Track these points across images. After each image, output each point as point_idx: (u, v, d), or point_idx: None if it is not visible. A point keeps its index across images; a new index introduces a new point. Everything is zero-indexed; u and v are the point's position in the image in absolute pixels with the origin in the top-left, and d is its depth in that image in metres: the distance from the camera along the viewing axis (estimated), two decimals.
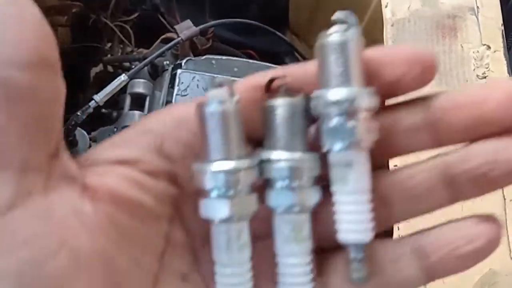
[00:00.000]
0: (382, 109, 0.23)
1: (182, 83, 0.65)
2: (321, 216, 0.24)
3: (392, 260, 0.23)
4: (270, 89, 0.23)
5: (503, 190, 0.45)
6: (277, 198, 0.23)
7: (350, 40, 0.22)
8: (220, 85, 0.22)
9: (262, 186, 0.24)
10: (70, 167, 0.21)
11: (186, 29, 0.74)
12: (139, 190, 0.22)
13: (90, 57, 0.79)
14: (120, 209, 0.21)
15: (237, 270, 0.23)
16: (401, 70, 0.22)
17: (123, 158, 0.22)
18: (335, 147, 0.22)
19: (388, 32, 0.54)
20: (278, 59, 0.81)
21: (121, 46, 0.80)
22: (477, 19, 0.53)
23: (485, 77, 0.51)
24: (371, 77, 0.22)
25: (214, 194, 0.22)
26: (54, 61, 0.20)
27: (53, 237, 0.19)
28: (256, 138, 0.24)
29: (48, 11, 0.72)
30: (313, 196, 0.23)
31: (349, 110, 0.22)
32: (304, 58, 0.89)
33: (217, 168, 0.22)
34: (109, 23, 0.77)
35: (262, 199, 0.23)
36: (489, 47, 0.53)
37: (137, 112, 0.67)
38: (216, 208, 0.22)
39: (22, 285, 0.18)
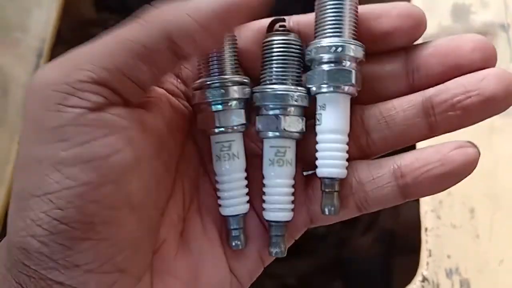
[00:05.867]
0: (367, 59, 0.26)
1: None
2: (308, 147, 0.26)
3: (373, 179, 0.25)
4: (271, 29, 0.26)
5: None
6: (265, 123, 0.25)
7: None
8: None
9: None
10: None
11: None
12: (171, 108, 0.26)
13: None
14: (163, 122, 0.25)
15: (229, 178, 0.26)
16: (395, 23, 0.25)
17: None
18: (322, 89, 0.25)
19: None
20: None
21: None
22: (508, 36, 0.54)
23: None
24: (366, 29, 0.25)
25: (207, 108, 0.25)
26: None
27: (118, 137, 0.23)
28: (252, 76, 0.27)
29: (85, 24, 0.74)
30: (297, 125, 0.25)
31: (337, 57, 0.24)
32: None
33: (209, 83, 0.25)
34: None
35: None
36: None
37: None
38: (208, 121, 0.25)
39: (92, 168, 0.22)
